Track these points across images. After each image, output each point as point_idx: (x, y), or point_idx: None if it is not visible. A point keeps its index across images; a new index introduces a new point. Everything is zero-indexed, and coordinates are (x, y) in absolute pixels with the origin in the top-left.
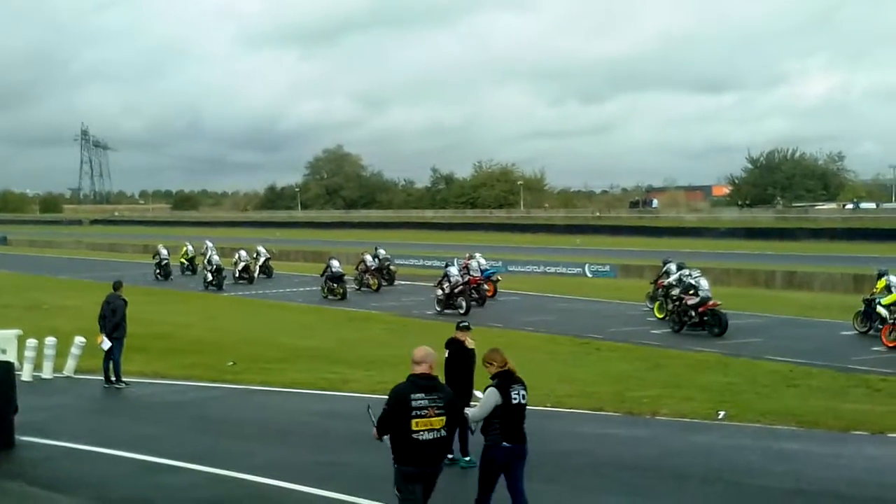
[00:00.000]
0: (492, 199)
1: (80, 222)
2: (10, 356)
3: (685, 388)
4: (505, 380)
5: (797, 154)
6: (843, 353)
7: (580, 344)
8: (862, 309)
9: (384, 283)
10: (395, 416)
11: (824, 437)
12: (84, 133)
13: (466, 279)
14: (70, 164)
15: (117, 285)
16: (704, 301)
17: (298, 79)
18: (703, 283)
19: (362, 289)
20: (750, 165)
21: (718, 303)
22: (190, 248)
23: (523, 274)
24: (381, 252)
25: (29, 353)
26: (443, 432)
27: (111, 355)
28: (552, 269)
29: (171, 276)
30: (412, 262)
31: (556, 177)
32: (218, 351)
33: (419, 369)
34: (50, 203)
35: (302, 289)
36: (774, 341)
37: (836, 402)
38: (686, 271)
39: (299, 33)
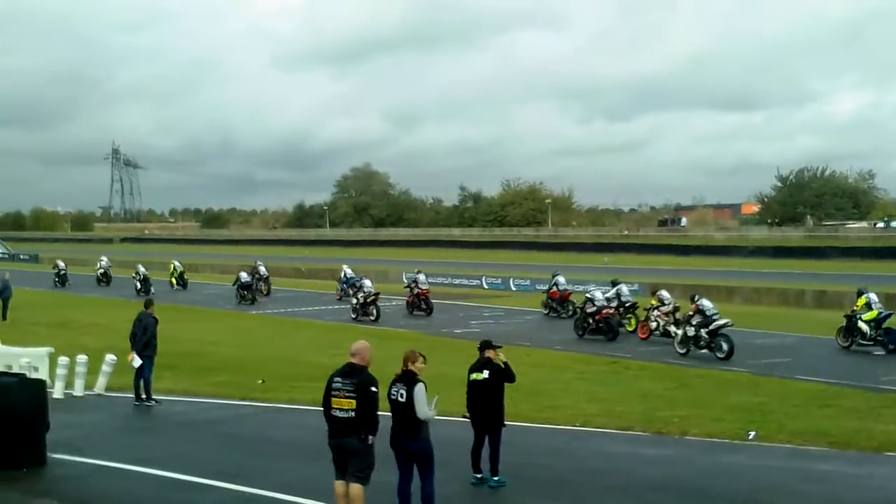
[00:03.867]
0: (520, 217)
1: (110, 240)
2: (42, 374)
3: (715, 408)
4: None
5: (827, 172)
6: (874, 373)
7: (608, 363)
8: (844, 325)
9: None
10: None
11: (857, 457)
12: (115, 152)
13: (416, 292)
14: (101, 183)
15: (148, 303)
16: (600, 310)
17: (329, 98)
18: (598, 294)
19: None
20: (779, 183)
21: (611, 311)
22: (177, 264)
23: None
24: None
25: (61, 371)
26: (352, 413)
27: (142, 373)
28: (581, 288)
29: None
30: (440, 280)
31: (585, 195)
32: (246, 369)
33: (351, 359)
34: (81, 221)
35: (330, 307)
36: (805, 361)
37: (868, 422)
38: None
39: (331, 53)
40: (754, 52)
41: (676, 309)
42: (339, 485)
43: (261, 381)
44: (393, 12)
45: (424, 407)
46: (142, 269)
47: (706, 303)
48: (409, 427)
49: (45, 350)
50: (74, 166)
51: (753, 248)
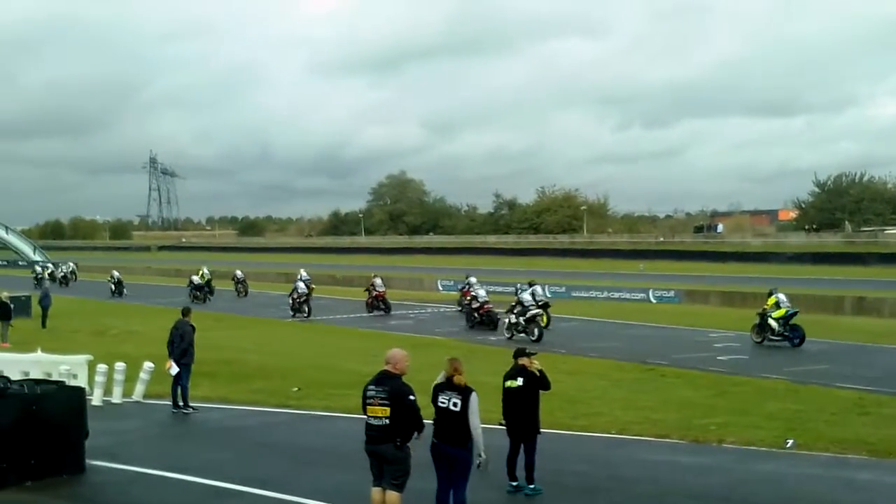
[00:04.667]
0: (555, 224)
1: (148, 248)
2: (81, 381)
3: (752, 416)
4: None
5: (866, 177)
6: None
7: (645, 370)
8: (758, 321)
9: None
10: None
11: None
12: (152, 161)
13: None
14: (139, 192)
15: (186, 311)
16: (482, 304)
17: (366, 106)
18: (482, 292)
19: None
20: (817, 189)
21: (490, 305)
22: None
23: (587, 299)
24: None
25: (99, 378)
26: (385, 421)
27: (179, 380)
28: (616, 295)
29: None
30: None
31: (620, 202)
32: (282, 376)
33: (385, 367)
34: (119, 230)
35: (366, 314)
36: (844, 368)
37: None
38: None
39: (369, 61)
40: (793, 57)
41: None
42: (375, 492)
43: (296, 389)
44: (431, 20)
45: (478, 417)
46: (116, 273)
47: (526, 296)
48: (459, 435)
49: (83, 358)
50: (113, 175)
51: (791, 255)
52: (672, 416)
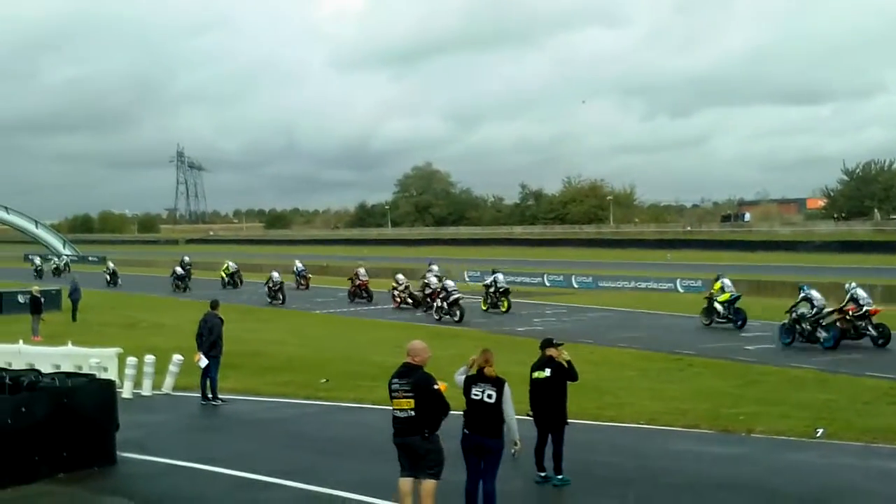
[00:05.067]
0: (581, 214)
1: (176, 242)
2: (111, 374)
3: (782, 405)
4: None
5: (895, 165)
6: None
7: (672, 360)
8: (705, 305)
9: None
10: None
11: None
12: (179, 155)
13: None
14: (167, 185)
15: (214, 304)
16: (434, 291)
17: (390, 98)
18: (434, 279)
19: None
20: (845, 177)
21: (460, 296)
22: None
23: (614, 289)
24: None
25: (129, 371)
26: (411, 413)
27: (208, 373)
28: (643, 285)
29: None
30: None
31: (647, 191)
32: (310, 368)
33: (407, 359)
34: (147, 223)
35: (391, 306)
36: (875, 357)
37: None
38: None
39: (392, 53)
40: (819, 44)
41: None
42: (403, 482)
43: (324, 381)
44: (452, 12)
45: (512, 407)
46: (111, 264)
47: (449, 282)
48: (493, 426)
49: (113, 350)
50: (141, 169)
51: (819, 244)
52: (700, 406)
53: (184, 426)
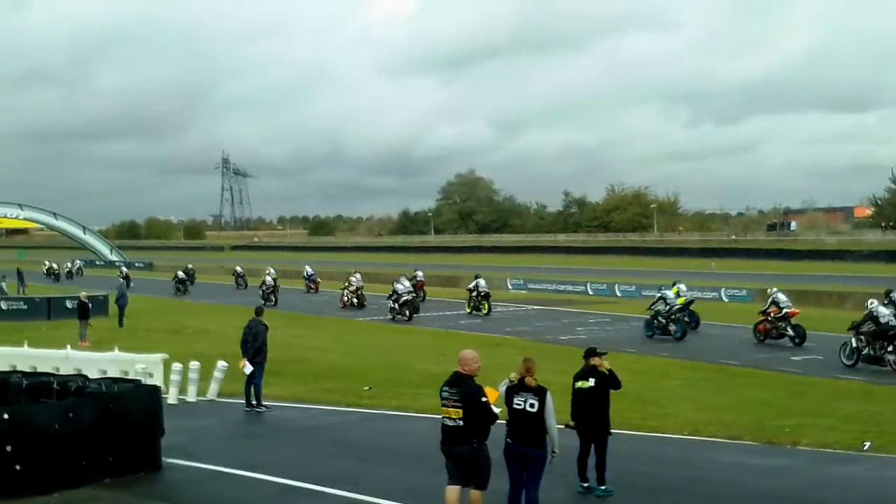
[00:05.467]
0: (625, 222)
1: (221, 248)
2: (157, 380)
3: (828, 417)
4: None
5: None
6: None
7: (717, 370)
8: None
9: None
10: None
11: None
12: (225, 161)
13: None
14: (212, 192)
15: (259, 311)
16: (401, 295)
17: (435, 105)
18: (405, 283)
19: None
20: (893, 185)
21: (409, 298)
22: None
23: None
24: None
25: (174, 377)
26: (459, 422)
27: (253, 379)
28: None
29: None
30: (545, 286)
31: (691, 199)
32: (353, 375)
33: (458, 368)
34: (193, 230)
35: (434, 313)
36: None
37: None
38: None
39: (438, 60)
40: (868, 52)
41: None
42: (450, 490)
43: (367, 388)
44: (500, 18)
45: (554, 417)
46: (124, 269)
47: (399, 286)
48: (536, 435)
49: (159, 356)
50: (187, 176)
51: (867, 253)
52: (745, 416)
53: (228, 432)
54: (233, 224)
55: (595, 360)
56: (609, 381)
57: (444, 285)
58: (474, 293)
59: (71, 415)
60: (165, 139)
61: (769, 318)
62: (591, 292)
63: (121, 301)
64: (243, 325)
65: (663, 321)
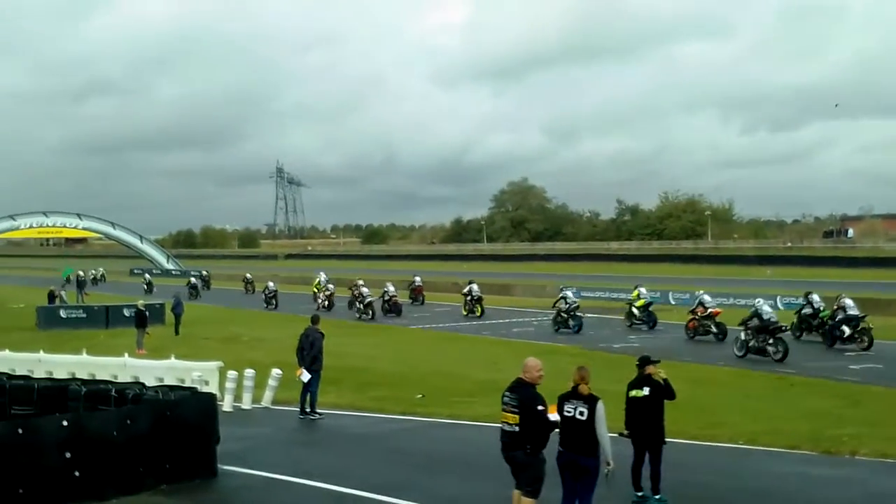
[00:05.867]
0: (678, 230)
1: (275, 257)
2: (213, 387)
3: (888, 427)
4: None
5: None
6: None
7: (773, 379)
8: (627, 310)
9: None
10: None
11: None
12: (279, 170)
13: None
14: (267, 200)
15: (315, 319)
16: (365, 298)
17: (489, 113)
18: (365, 290)
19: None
20: None
21: (372, 300)
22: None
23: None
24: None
25: (230, 385)
26: (516, 428)
27: (309, 387)
28: (742, 302)
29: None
30: (598, 294)
31: (746, 206)
32: (406, 384)
33: (522, 375)
34: (247, 238)
35: (487, 321)
36: None
37: None
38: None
39: (492, 69)
40: None
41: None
42: (516, 494)
43: (421, 396)
44: (553, 27)
45: (605, 426)
46: (147, 276)
47: (365, 290)
48: (586, 444)
49: (215, 364)
50: (243, 185)
51: None
52: (802, 426)
53: (283, 440)
54: (287, 233)
55: (650, 369)
56: (664, 391)
57: (497, 293)
58: (468, 297)
59: (129, 422)
60: (222, 149)
61: (697, 317)
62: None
63: (177, 309)
64: (298, 334)
65: (564, 317)
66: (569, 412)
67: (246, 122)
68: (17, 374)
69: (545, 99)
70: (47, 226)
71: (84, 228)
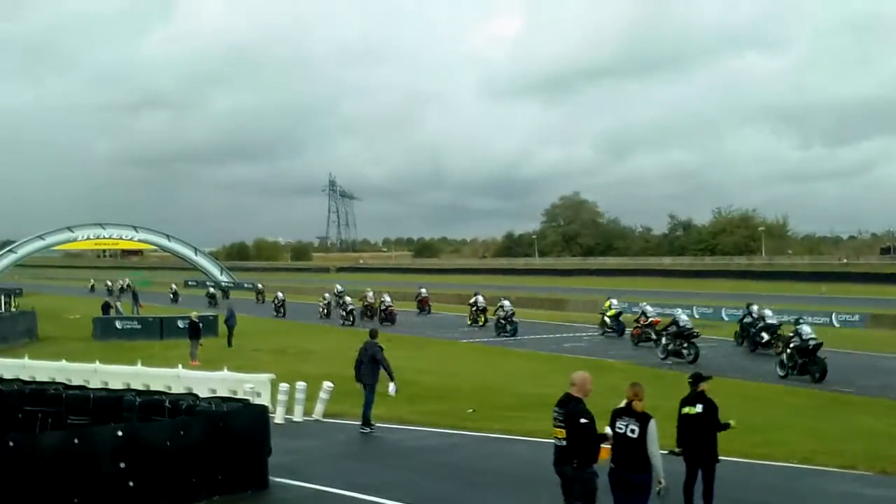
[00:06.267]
0: (731, 245)
1: (327, 270)
2: (265, 399)
3: None
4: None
5: None
6: None
7: (828, 397)
8: (600, 320)
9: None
10: None
11: None
12: (332, 183)
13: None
14: (319, 214)
15: (373, 333)
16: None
17: (540, 127)
18: (348, 298)
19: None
20: None
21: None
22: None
23: None
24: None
25: (281, 397)
26: (563, 442)
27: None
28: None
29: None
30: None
31: (801, 222)
32: (457, 398)
33: (569, 389)
34: (300, 251)
35: (534, 336)
36: None
37: None
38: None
39: (542, 82)
40: None
41: None
42: None
43: (471, 410)
44: (605, 40)
45: (657, 444)
46: (174, 285)
47: (348, 298)
48: (638, 461)
49: (266, 376)
50: (296, 197)
51: None
52: (857, 445)
53: (334, 452)
54: (339, 245)
55: (704, 386)
56: (718, 409)
57: (549, 308)
58: (474, 308)
59: (182, 433)
60: (274, 161)
61: (640, 325)
62: (696, 316)
63: (230, 321)
64: (345, 346)
65: (503, 323)
66: (620, 429)
67: (298, 134)
68: (74, 384)
69: (597, 112)
70: (104, 237)
71: (140, 240)
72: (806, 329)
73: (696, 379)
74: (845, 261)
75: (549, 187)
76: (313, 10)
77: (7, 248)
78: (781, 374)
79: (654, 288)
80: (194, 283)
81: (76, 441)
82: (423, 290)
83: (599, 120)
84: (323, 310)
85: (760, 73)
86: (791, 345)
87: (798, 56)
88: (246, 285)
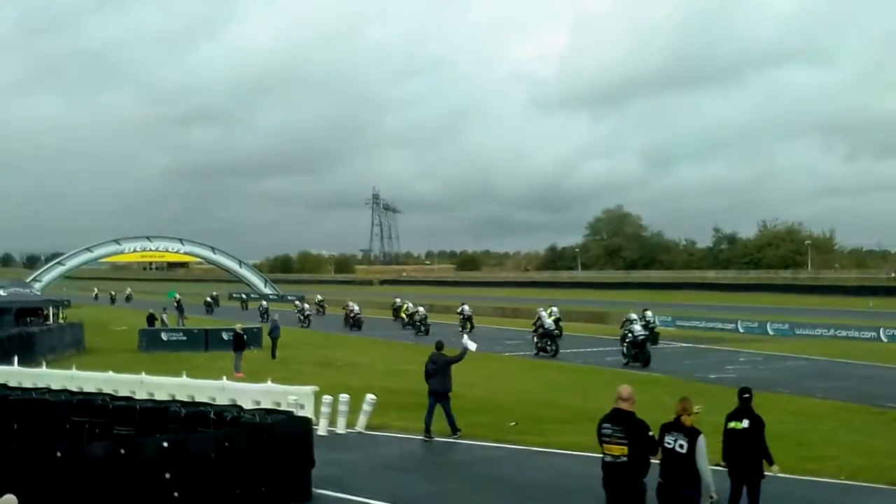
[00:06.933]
0: (777, 259)
1: (370, 282)
2: (308, 411)
3: None
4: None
5: None
6: None
7: (876, 413)
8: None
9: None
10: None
11: None
12: (375, 197)
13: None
14: (363, 227)
15: (440, 345)
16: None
17: (585, 140)
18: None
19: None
20: None
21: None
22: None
23: (812, 337)
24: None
25: (324, 409)
26: (623, 458)
27: (444, 410)
28: (843, 333)
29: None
30: (694, 324)
31: (848, 236)
32: (500, 411)
33: (619, 404)
34: (343, 264)
35: (579, 349)
36: None
37: None
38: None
39: (588, 96)
40: None
41: None
42: None
43: (514, 423)
44: (651, 53)
45: (706, 459)
46: (208, 298)
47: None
48: (686, 477)
49: (310, 388)
50: (340, 210)
51: None
52: None
53: (377, 465)
54: (382, 258)
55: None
56: (764, 424)
57: (592, 321)
58: (462, 317)
59: (226, 444)
60: (319, 175)
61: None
62: (741, 330)
63: (274, 333)
64: (389, 359)
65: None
66: (669, 444)
67: (343, 148)
68: (120, 395)
69: (643, 125)
70: (150, 250)
71: (186, 253)
72: (636, 328)
73: (743, 393)
74: (893, 275)
75: (592, 200)
76: (359, 26)
77: (56, 261)
78: (624, 362)
79: (697, 301)
80: (238, 296)
81: (122, 451)
82: (421, 309)
83: (645, 133)
84: (300, 316)
85: (808, 86)
86: (626, 339)
87: (846, 69)
88: (290, 297)
